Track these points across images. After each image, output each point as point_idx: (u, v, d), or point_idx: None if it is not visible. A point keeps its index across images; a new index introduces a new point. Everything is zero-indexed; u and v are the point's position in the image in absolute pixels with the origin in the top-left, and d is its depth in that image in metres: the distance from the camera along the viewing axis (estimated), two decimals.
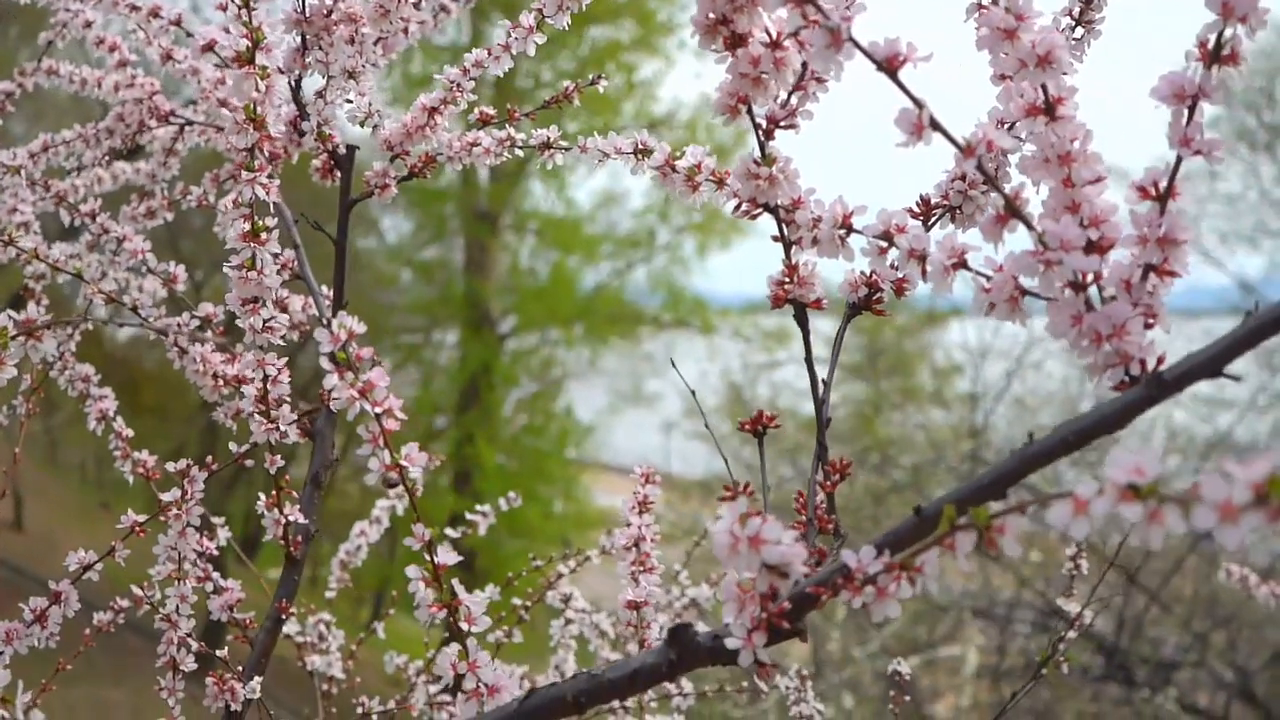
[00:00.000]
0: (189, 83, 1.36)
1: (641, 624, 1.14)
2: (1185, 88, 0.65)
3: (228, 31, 1.01)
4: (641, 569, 1.12)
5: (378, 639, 1.83)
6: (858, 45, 0.64)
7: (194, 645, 1.11)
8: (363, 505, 1.88)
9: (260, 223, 0.97)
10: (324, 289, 1.26)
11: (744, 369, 10.51)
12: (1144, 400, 0.60)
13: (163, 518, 1.08)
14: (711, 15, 0.72)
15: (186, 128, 1.48)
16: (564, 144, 1.17)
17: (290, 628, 1.60)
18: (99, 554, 1.09)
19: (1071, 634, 1.31)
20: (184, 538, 1.08)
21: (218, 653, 1.12)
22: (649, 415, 11.49)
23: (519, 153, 1.20)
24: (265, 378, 1.04)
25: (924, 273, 0.73)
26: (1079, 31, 0.94)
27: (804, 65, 0.76)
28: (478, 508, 1.80)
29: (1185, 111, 0.65)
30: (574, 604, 1.69)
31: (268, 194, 0.96)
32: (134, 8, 1.25)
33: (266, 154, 0.97)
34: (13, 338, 0.91)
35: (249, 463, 1.11)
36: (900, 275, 0.80)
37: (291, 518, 1.12)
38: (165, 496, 1.06)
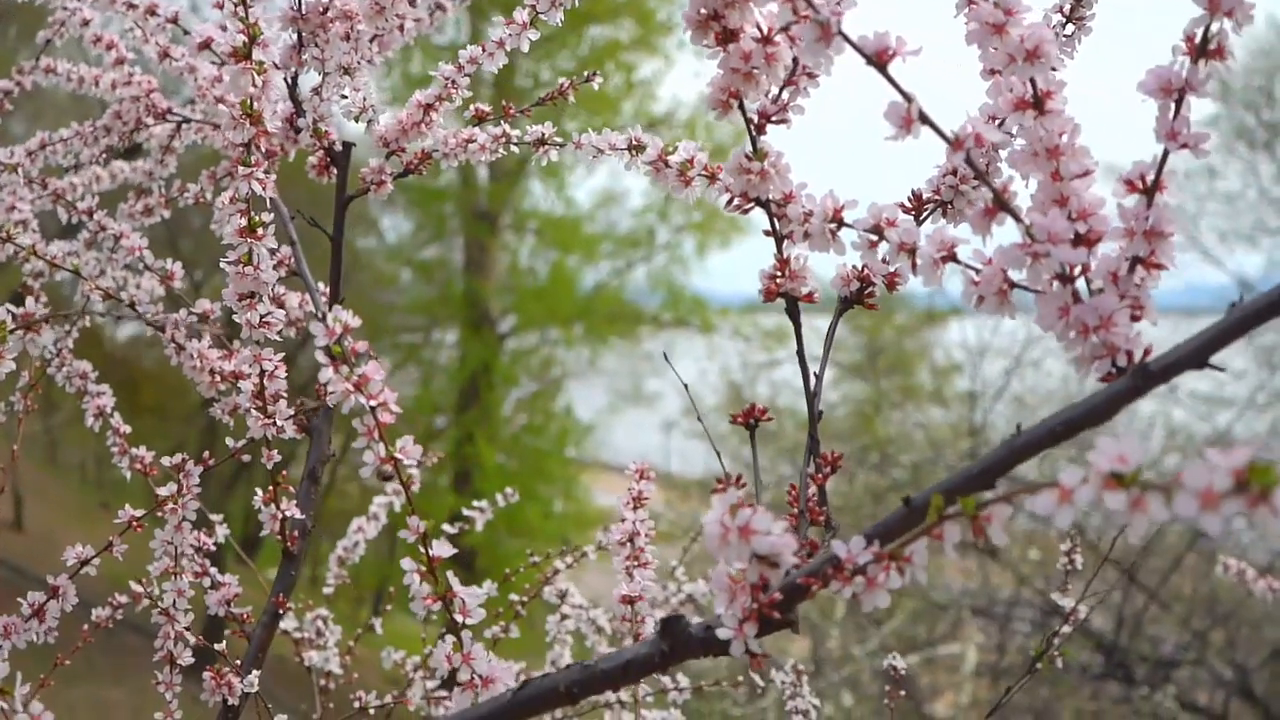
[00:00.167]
0: (186, 80, 1.37)
1: (636, 619, 1.15)
2: (1172, 82, 0.65)
3: (224, 29, 1.02)
4: (636, 564, 1.13)
5: (376, 637, 1.84)
6: (847, 39, 0.65)
7: (191, 639, 1.11)
8: (362, 504, 1.88)
9: (257, 218, 0.97)
10: (321, 286, 1.27)
11: (743, 368, 10.53)
12: (1130, 391, 0.60)
13: (159, 513, 1.09)
14: (703, 11, 0.73)
15: (184, 125, 1.48)
16: (559, 140, 1.17)
17: (288, 624, 1.61)
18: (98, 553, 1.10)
19: (1066, 629, 1.32)
20: (180, 532, 1.08)
21: (215, 647, 1.13)
22: (649, 415, 11.50)
23: (514, 149, 1.21)
24: (262, 373, 1.04)
25: (914, 266, 0.74)
26: (1070, 28, 0.94)
27: (795, 60, 0.76)
28: (475, 504, 1.81)
29: (1172, 105, 0.65)
30: (570, 600, 1.69)
31: (264, 189, 0.96)
32: (131, 6, 1.26)
33: (263, 150, 0.98)
34: (11, 331, 0.92)
35: (246, 458, 1.12)
36: (892, 269, 0.80)
37: (288, 513, 1.13)
38: (161, 491, 1.07)
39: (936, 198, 0.85)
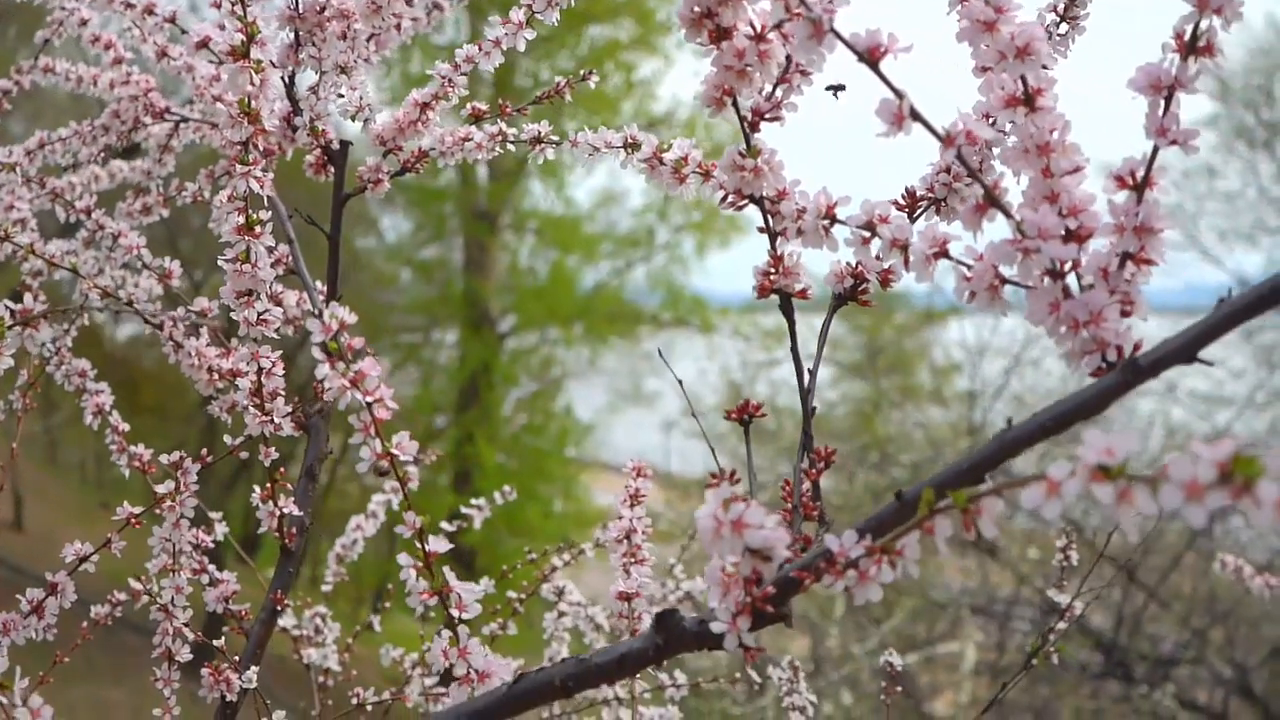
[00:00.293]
0: (184, 80, 1.37)
1: (633, 616, 1.15)
2: (1162, 79, 0.66)
3: (222, 28, 1.02)
4: (633, 561, 1.13)
5: (375, 636, 1.84)
6: (839, 36, 0.65)
7: (190, 636, 1.12)
8: (362, 504, 1.88)
9: (254, 216, 0.98)
10: (319, 284, 1.27)
11: (743, 367, 10.53)
12: (1120, 385, 0.61)
13: (158, 510, 1.09)
14: (697, 9, 0.73)
15: (182, 124, 1.49)
16: (554, 138, 1.18)
17: (287, 621, 1.61)
18: (99, 556, 1.10)
19: (1062, 625, 1.32)
20: (178, 529, 1.09)
21: (214, 643, 1.13)
22: (648, 414, 11.50)
23: (511, 148, 1.21)
24: (260, 370, 1.05)
25: (907, 262, 0.74)
26: (1064, 27, 0.95)
27: (788, 58, 0.77)
28: (473, 501, 1.81)
29: (1162, 102, 0.66)
30: (568, 597, 1.70)
31: (261, 187, 0.97)
32: (129, 5, 1.26)
33: (260, 148, 0.98)
34: (10, 328, 0.92)
35: (244, 454, 1.12)
36: (885, 266, 0.81)
37: (286, 510, 1.13)
38: (159, 489, 1.07)
39: (930, 195, 0.85)
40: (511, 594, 1.67)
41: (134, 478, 1.20)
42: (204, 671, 1.10)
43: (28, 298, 0.96)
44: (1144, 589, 6.36)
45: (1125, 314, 0.66)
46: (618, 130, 1.08)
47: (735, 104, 0.77)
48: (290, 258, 1.21)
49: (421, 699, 1.55)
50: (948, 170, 0.85)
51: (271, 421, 1.06)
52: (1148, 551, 6.51)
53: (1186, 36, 0.66)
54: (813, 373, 0.82)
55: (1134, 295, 0.66)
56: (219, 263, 1.00)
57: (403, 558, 0.80)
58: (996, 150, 0.79)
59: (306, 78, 1.19)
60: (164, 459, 1.09)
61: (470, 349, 10.77)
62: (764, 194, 0.80)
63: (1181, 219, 8.91)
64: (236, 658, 1.13)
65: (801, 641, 7.04)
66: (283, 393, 1.07)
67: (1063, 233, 0.66)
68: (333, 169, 1.23)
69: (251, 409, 1.05)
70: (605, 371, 11.60)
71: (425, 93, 1.20)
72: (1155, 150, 0.66)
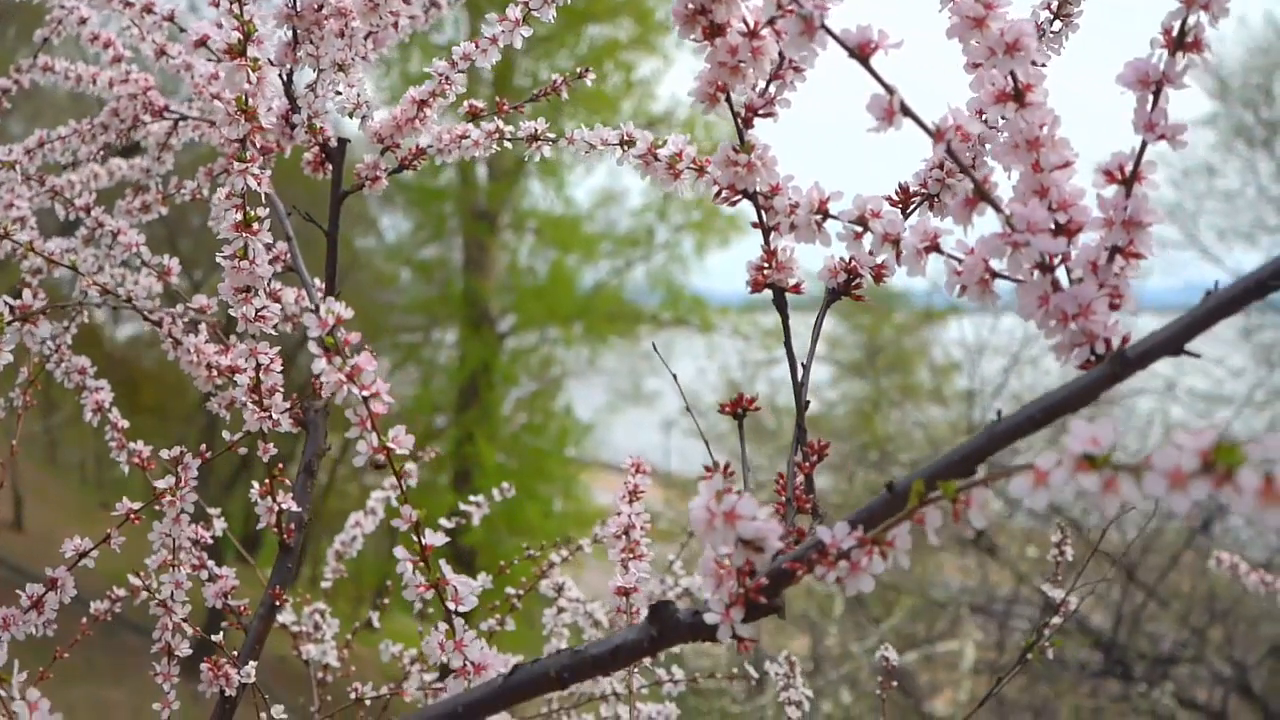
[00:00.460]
0: (182, 78, 1.38)
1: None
2: (1149, 74, 0.66)
3: (220, 27, 1.03)
4: (632, 556, 1.14)
5: (374, 635, 1.85)
6: (830, 33, 0.66)
7: (189, 630, 1.12)
8: (362, 504, 1.89)
9: (252, 213, 0.98)
10: (317, 282, 1.28)
11: (742, 366, 10.54)
12: (1108, 378, 0.61)
13: (157, 506, 1.10)
14: (690, 5, 0.74)
15: (181, 122, 1.49)
16: (551, 135, 1.18)
17: (286, 618, 1.62)
18: (98, 554, 1.11)
19: (1058, 620, 1.33)
20: (178, 524, 1.09)
21: (213, 638, 1.14)
22: (648, 414, 11.51)
23: (508, 145, 1.22)
24: (258, 367, 1.05)
25: (898, 257, 0.75)
26: (1057, 25, 0.95)
27: (781, 54, 0.78)
28: (472, 498, 1.82)
29: (1150, 97, 0.67)
30: (567, 593, 1.71)
31: (259, 184, 0.97)
32: (128, 4, 1.27)
33: (258, 145, 0.99)
34: (9, 323, 0.93)
35: (243, 450, 1.13)
36: (878, 261, 0.82)
37: (284, 505, 1.14)
38: (159, 484, 1.08)
39: (924, 191, 0.86)
40: (510, 590, 1.68)
41: (134, 479, 1.21)
42: (203, 666, 1.11)
43: (27, 294, 0.96)
44: (1143, 588, 6.37)
45: (1114, 307, 0.66)
46: (616, 129, 1.09)
47: (729, 100, 0.78)
48: (289, 255, 1.21)
49: (420, 694, 1.55)
50: (940, 166, 0.85)
51: (270, 417, 1.06)
52: (1147, 550, 6.52)
53: (1175, 32, 0.66)
54: (806, 367, 0.83)
55: (1123, 289, 0.67)
56: (218, 259, 1.01)
57: (400, 551, 0.81)
58: (989, 146, 0.80)
59: (305, 75, 1.20)
60: (164, 454, 1.10)
61: (470, 349, 10.78)
62: (757, 189, 0.81)
63: (1181, 218, 8.93)
64: (235, 653, 1.14)
65: (801, 640, 7.05)
66: (281, 389, 1.08)
67: (1052, 226, 0.67)
68: (331, 166, 1.24)
69: (250, 405, 1.06)
70: (605, 371, 11.61)
71: (423, 90, 1.21)
72: (1144, 145, 0.67)
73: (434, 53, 1.24)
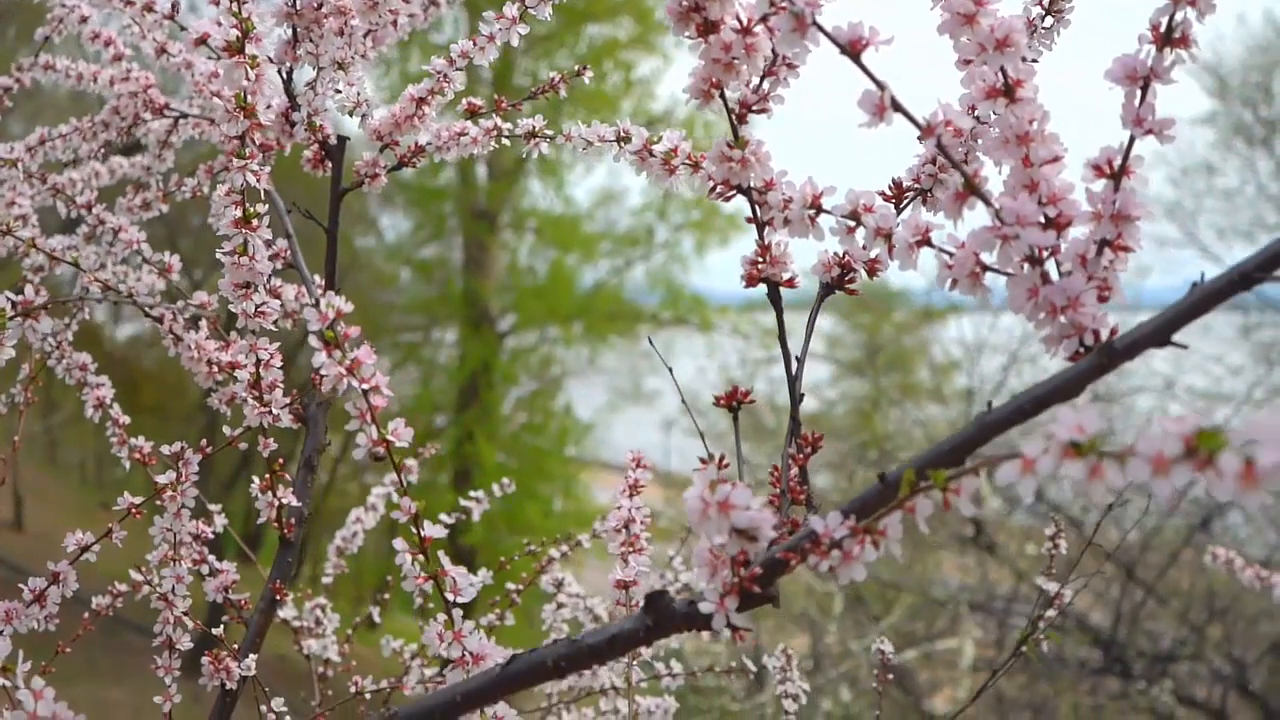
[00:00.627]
0: (183, 76, 1.39)
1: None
2: (1137, 69, 0.67)
3: (220, 25, 1.04)
4: (631, 550, 1.15)
5: (375, 634, 1.86)
6: (821, 29, 0.67)
7: (190, 624, 1.13)
8: (362, 503, 1.90)
9: (252, 209, 0.99)
10: (317, 279, 1.29)
11: (742, 365, 10.55)
12: (1095, 369, 0.62)
13: (158, 501, 1.10)
14: (685, 2, 0.75)
15: (181, 121, 1.50)
16: (549, 133, 1.19)
17: (287, 613, 1.63)
18: (99, 554, 1.11)
19: (1052, 612, 1.34)
20: (179, 519, 1.10)
21: (214, 631, 1.15)
22: (648, 413, 11.52)
23: (506, 142, 1.23)
24: (258, 362, 1.06)
25: (891, 250, 0.76)
26: (1048, 21, 0.96)
27: (774, 51, 0.79)
28: (472, 494, 1.83)
29: (1138, 92, 0.67)
30: (567, 589, 1.71)
31: (258, 181, 0.98)
32: (129, 2, 1.28)
33: (257, 142, 1.00)
34: (11, 319, 0.94)
35: (244, 446, 1.13)
36: (871, 255, 0.82)
37: (285, 500, 1.15)
38: (160, 479, 1.09)
39: (916, 186, 0.87)
40: (510, 585, 1.68)
41: (134, 480, 1.21)
42: (204, 660, 1.12)
43: (28, 289, 0.97)
44: (1142, 585, 6.38)
45: (1103, 299, 0.67)
46: (613, 127, 1.09)
47: (723, 96, 0.79)
48: (288, 252, 1.22)
49: (420, 688, 1.56)
50: (933, 161, 0.86)
51: (270, 412, 1.07)
52: (1146, 548, 6.53)
53: (1162, 28, 0.67)
54: (801, 361, 0.84)
55: (1111, 281, 0.68)
56: (218, 255, 1.01)
57: (399, 542, 0.82)
58: (980, 141, 0.81)
59: (304, 74, 1.21)
60: (165, 449, 1.11)
61: (470, 348, 10.79)
62: (752, 184, 0.82)
63: (1180, 216, 8.94)
64: (236, 646, 1.15)
65: (801, 639, 7.06)
66: (281, 385, 1.08)
67: (1041, 220, 0.68)
68: (330, 164, 1.25)
69: (250, 400, 1.07)
70: (605, 370, 11.62)
71: (421, 88, 1.22)
72: (1132, 139, 0.67)
73: (433, 52, 1.25)
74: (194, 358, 1.22)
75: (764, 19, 0.73)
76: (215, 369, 1.21)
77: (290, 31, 1.16)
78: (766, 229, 0.83)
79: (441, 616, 0.82)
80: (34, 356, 1.31)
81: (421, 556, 0.82)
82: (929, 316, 9.79)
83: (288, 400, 1.09)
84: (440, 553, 0.83)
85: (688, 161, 0.94)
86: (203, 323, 1.29)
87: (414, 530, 0.81)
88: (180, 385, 9.48)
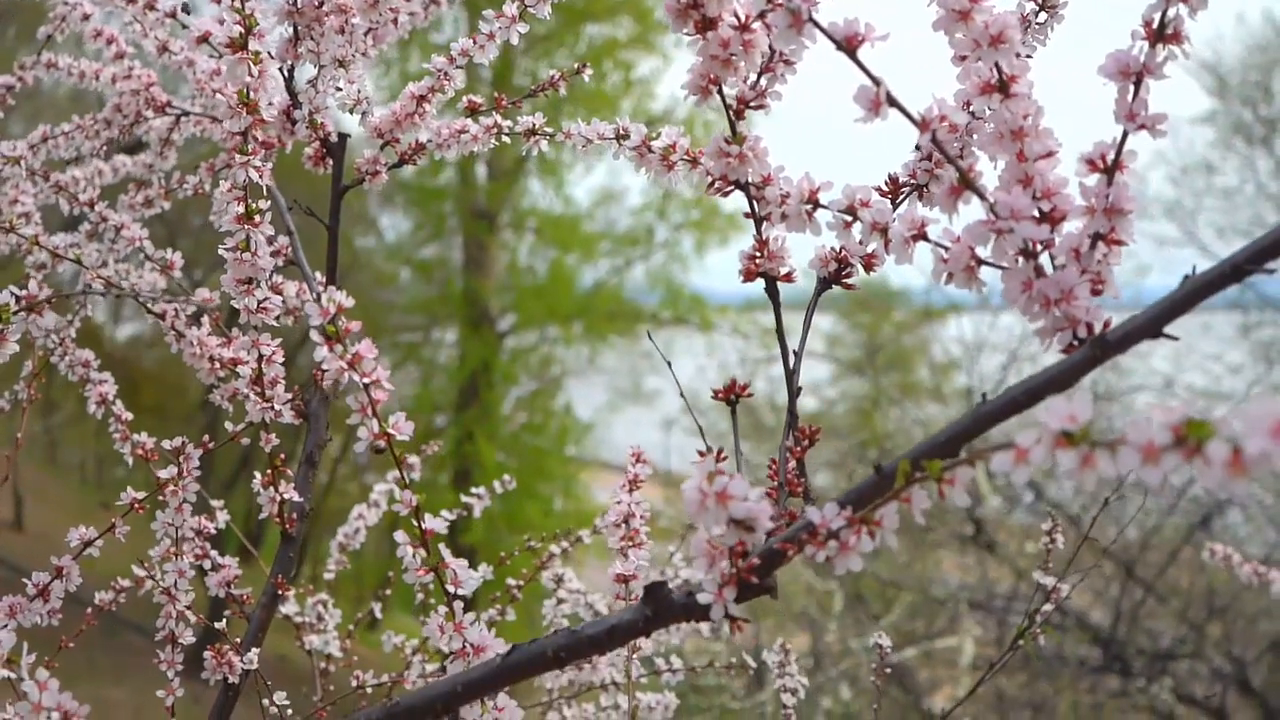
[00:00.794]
0: (185, 74, 1.39)
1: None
2: (1130, 65, 0.68)
3: (222, 23, 1.05)
4: (631, 544, 1.15)
5: (376, 633, 1.86)
6: (818, 26, 0.67)
7: (192, 618, 1.14)
8: (363, 501, 1.91)
9: (253, 205, 1.00)
10: (318, 275, 1.30)
11: (742, 364, 10.56)
12: (1089, 361, 0.63)
13: (160, 496, 1.11)
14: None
15: (183, 118, 1.51)
16: (548, 130, 1.20)
17: (290, 609, 1.64)
18: (100, 555, 1.12)
19: (1048, 607, 1.34)
20: (181, 514, 1.11)
21: (216, 625, 1.15)
22: (648, 412, 11.53)
23: (506, 140, 1.23)
24: (260, 358, 1.07)
25: (887, 245, 0.77)
26: (1042, 16, 0.97)
27: (771, 47, 0.79)
28: (473, 490, 1.83)
29: (1131, 87, 0.68)
30: (567, 584, 1.72)
31: (261, 177, 0.99)
32: (130, 0, 1.28)
33: (259, 139, 1.00)
34: (15, 313, 0.94)
35: (245, 441, 1.14)
36: (868, 250, 0.83)
37: (287, 495, 1.15)
38: (162, 474, 1.10)
39: (912, 181, 0.88)
40: (510, 581, 1.69)
41: (135, 480, 1.22)
42: (206, 654, 1.12)
43: (32, 284, 0.98)
44: (1142, 584, 6.39)
45: (1096, 293, 0.68)
46: (612, 124, 1.10)
47: (721, 93, 0.80)
48: (290, 249, 1.23)
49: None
50: (928, 157, 0.87)
51: (272, 408, 1.08)
52: (1146, 547, 6.53)
53: (1155, 24, 0.68)
54: (798, 354, 0.84)
55: (1105, 274, 0.68)
56: (220, 251, 1.02)
57: (400, 535, 0.82)
58: (975, 136, 0.81)
59: (305, 72, 1.22)
60: (166, 444, 1.11)
61: (470, 348, 10.80)
62: (749, 180, 0.82)
63: (1180, 215, 8.95)
64: (238, 640, 1.16)
65: (801, 637, 7.06)
66: (283, 381, 1.09)
67: (1036, 214, 0.68)
68: (331, 161, 1.25)
69: (252, 396, 1.08)
70: (605, 370, 11.63)
71: (422, 85, 1.22)
72: (1124, 134, 0.68)
73: (433, 51, 1.26)
74: (196, 354, 1.23)
75: (761, 15, 0.74)
76: (217, 365, 1.22)
77: (292, 29, 1.17)
78: (764, 224, 0.83)
79: (443, 608, 0.83)
80: (37, 353, 1.31)
81: (423, 549, 0.83)
82: (928, 315, 9.79)
83: (289, 396, 1.10)
84: (440, 545, 0.83)
85: (686, 157, 0.94)
86: (205, 319, 1.29)
87: (415, 523, 0.82)
88: (180, 385, 9.49)
